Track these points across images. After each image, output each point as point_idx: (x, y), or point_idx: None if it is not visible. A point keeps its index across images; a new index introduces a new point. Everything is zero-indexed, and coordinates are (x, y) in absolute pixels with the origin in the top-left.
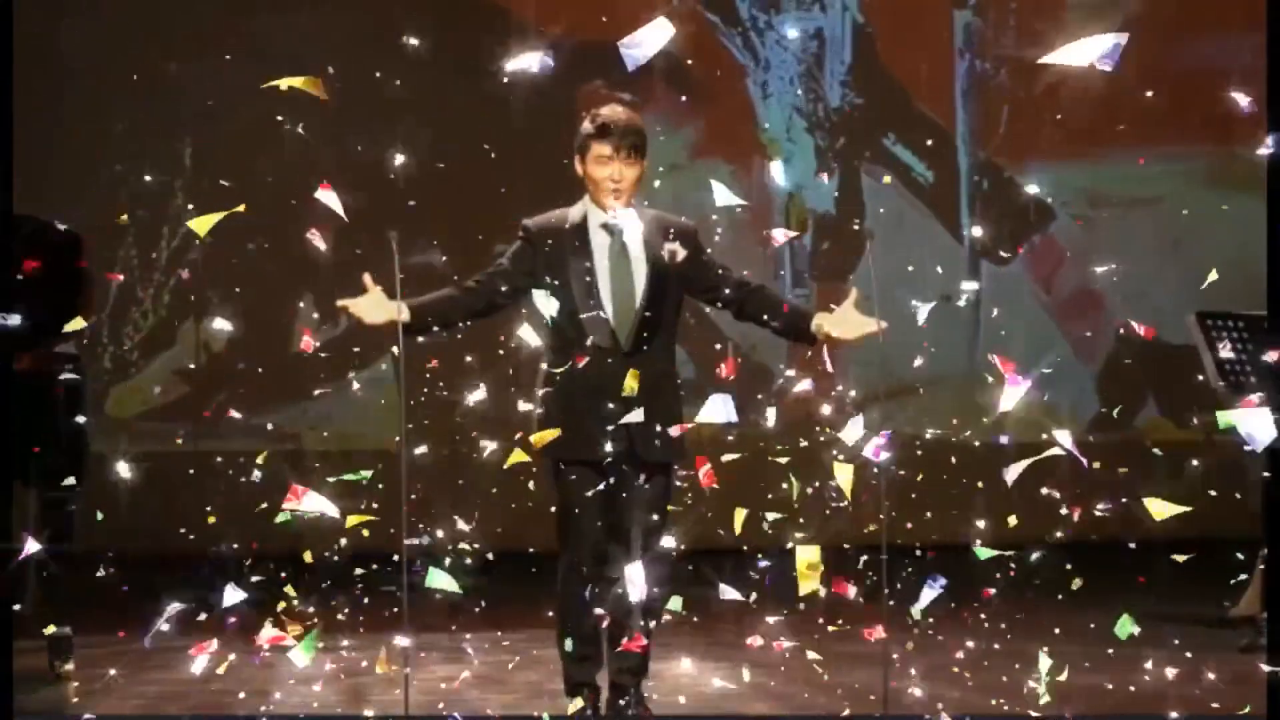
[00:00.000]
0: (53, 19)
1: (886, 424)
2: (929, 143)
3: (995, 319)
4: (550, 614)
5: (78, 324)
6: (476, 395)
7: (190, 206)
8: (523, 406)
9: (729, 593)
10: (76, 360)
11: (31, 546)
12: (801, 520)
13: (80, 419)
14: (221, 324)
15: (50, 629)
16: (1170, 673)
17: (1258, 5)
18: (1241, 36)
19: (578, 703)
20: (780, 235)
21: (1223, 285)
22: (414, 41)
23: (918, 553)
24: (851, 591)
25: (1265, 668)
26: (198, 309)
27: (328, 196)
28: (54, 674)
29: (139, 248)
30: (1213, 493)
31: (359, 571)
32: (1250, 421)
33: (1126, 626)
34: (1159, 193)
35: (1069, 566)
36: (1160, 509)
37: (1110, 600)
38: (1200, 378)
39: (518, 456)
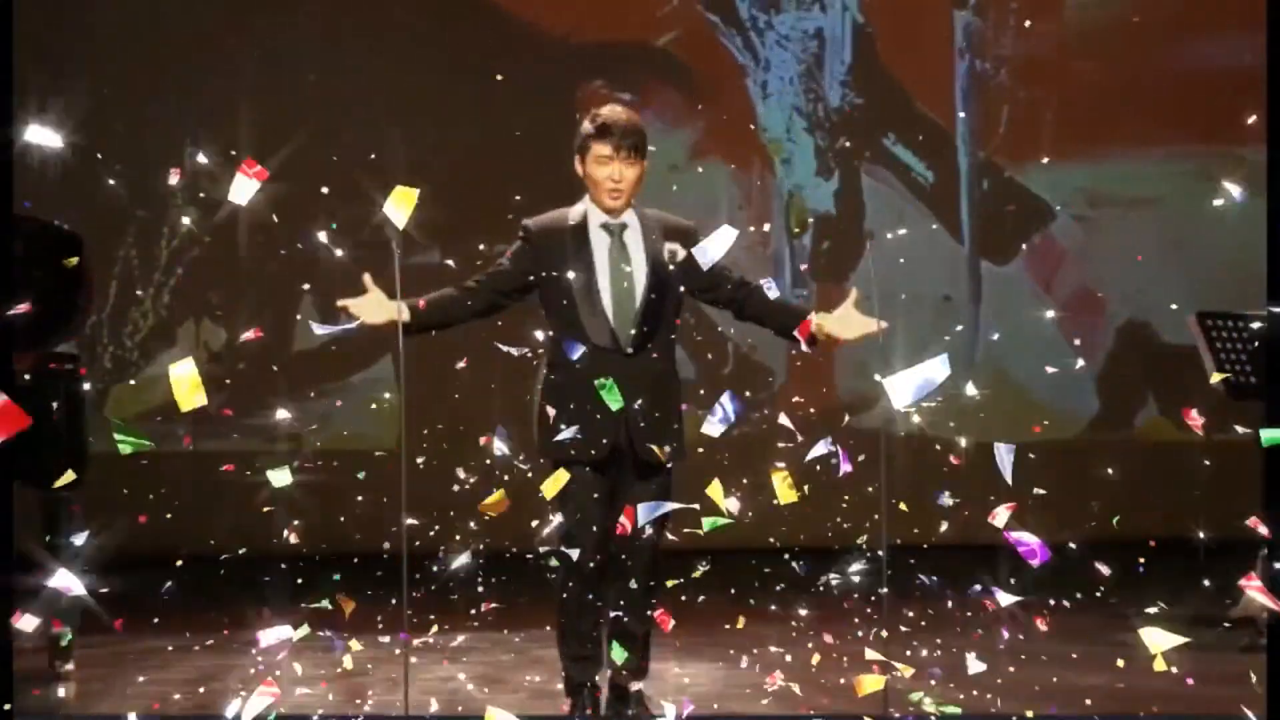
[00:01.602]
0: (53, 19)
1: (886, 424)
2: (927, 141)
3: (995, 319)
4: (551, 614)
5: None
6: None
7: (190, 207)
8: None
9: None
10: (76, 360)
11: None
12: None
13: (80, 419)
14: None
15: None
16: (1170, 673)
17: (1258, 5)
18: (1241, 36)
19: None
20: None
21: (1223, 285)
22: (414, 42)
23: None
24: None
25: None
26: (198, 309)
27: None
28: (54, 674)
29: (139, 248)
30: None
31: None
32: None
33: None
34: (1159, 193)
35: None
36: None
37: (1111, 600)
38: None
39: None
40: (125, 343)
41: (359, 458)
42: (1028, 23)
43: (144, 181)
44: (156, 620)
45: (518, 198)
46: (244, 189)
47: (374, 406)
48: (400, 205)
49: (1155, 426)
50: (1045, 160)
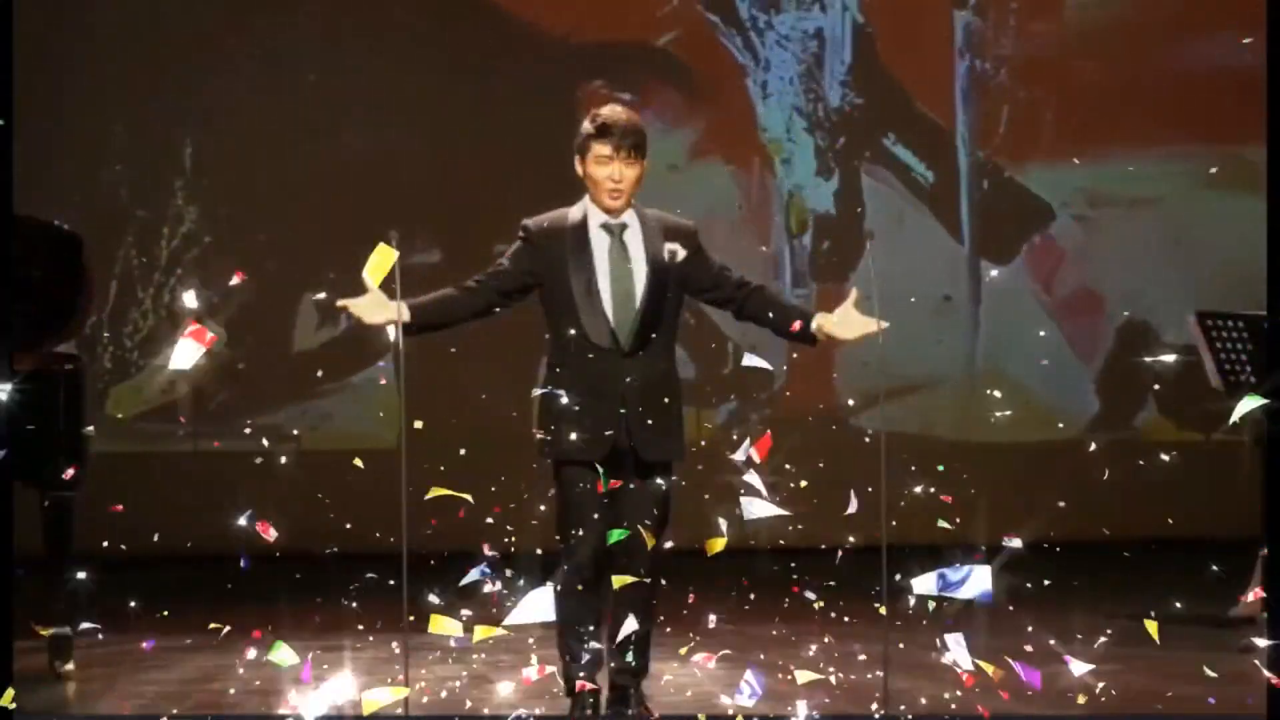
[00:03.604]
0: (53, 19)
1: (885, 424)
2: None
3: (995, 319)
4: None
5: None
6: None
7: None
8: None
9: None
10: (77, 360)
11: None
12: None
13: (80, 419)
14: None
15: (50, 629)
16: (1170, 673)
17: (1258, 5)
18: (1241, 36)
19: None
20: None
21: (1223, 285)
22: (414, 42)
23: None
24: None
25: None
26: (197, 309)
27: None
28: (54, 674)
29: (139, 248)
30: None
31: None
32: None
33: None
34: (1159, 193)
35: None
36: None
37: (1110, 600)
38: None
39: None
40: (125, 343)
41: (358, 457)
42: (1038, 28)
43: (144, 181)
44: (156, 619)
45: (515, 178)
46: (187, 354)
47: (373, 405)
48: (379, 263)
49: (1155, 426)
50: (1045, 161)
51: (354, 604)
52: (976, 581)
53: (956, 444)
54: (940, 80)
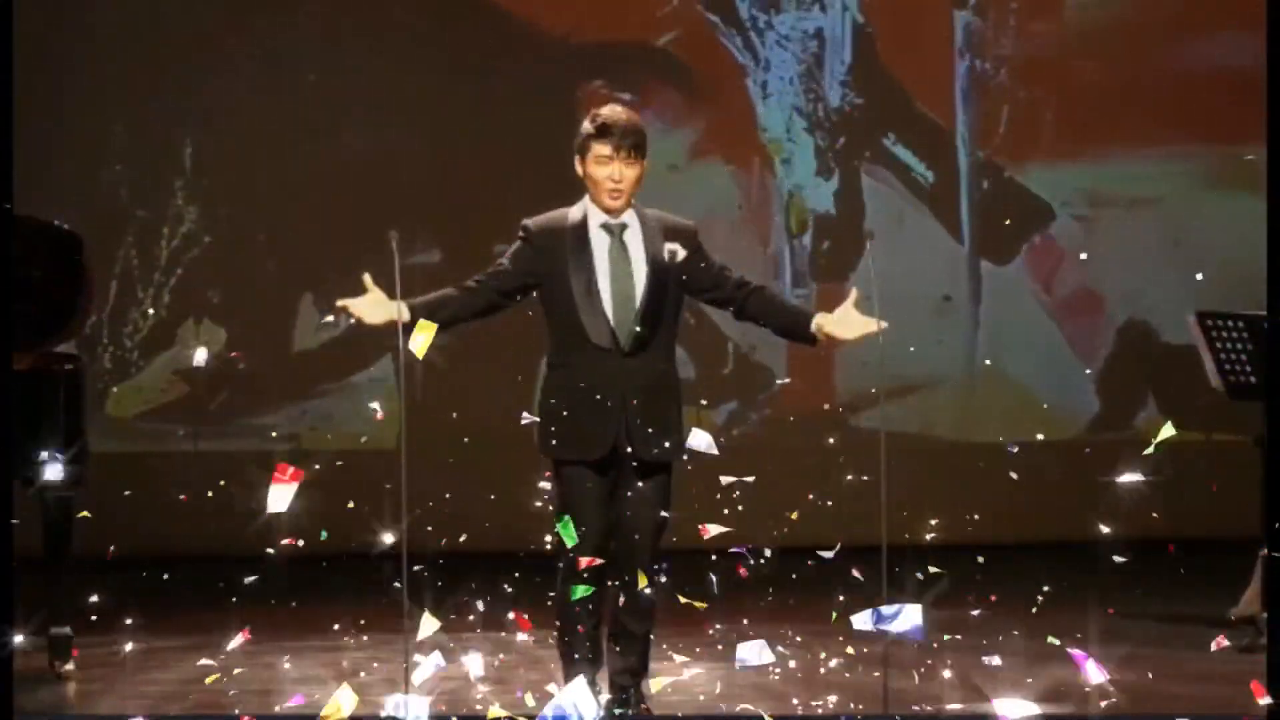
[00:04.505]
0: (53, 19)
1: (885, 424)
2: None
3: (995, 319)
4: (552, 613)
5: None
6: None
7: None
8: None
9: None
10: (77, 360)
11: None
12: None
13: (80, 419)
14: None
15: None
16: (1171, 673)
17: (1258, 5)
18: (1241, 36)
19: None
20: None
21: (1223, 285)
22: (414, 42)
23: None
24: None
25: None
26: (198, 309)
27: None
28: (54, 674)
29: (139, 248)
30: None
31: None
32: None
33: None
34: (1159, 193)
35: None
36: None
37: (1109, 600)
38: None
39: None
40: (125, 343)
41: (359, 457)
42: (1038, 28)
43: (144, 181)
44: (157, 619)
45: (515, 178)
46: (282, 497)
47: (374, 406)
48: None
49: (1155, 426)
50: (1045, 161)
51: (356, 606)
52: (908, 617)
53: (956, 444)
54: (940, 80)
